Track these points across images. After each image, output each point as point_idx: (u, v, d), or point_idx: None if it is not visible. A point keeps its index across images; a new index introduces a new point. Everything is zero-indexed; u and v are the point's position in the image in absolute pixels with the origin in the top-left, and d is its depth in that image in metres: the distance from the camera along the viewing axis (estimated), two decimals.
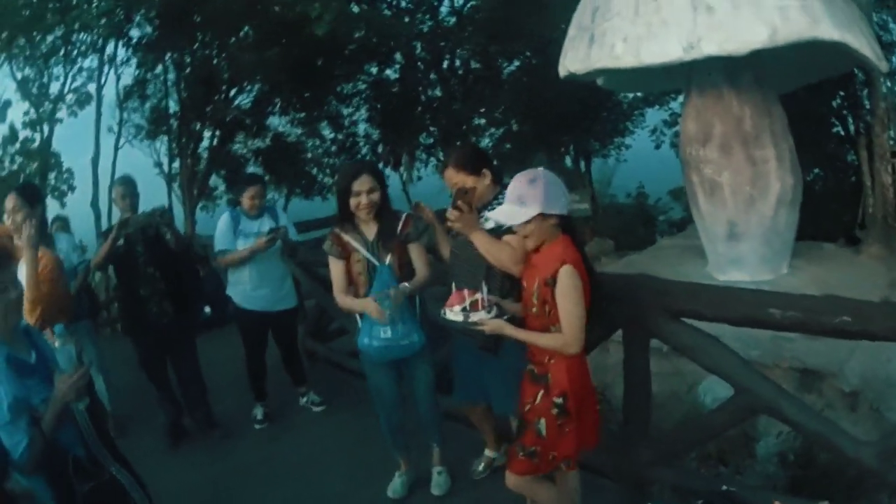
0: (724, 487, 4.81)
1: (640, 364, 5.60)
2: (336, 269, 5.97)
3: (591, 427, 4.91)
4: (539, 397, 4.70)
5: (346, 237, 5.85)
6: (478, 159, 5.83)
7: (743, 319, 4.82)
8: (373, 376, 6.24)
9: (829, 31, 8.40)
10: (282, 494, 6.93)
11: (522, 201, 4.49)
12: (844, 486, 6.30)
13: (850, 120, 19.74)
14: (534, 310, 4.66)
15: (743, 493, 5.08)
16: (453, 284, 5.19)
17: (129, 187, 8.16)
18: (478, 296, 4.72)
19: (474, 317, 4.64)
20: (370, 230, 5.84)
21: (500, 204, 5.21)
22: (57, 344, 4.30)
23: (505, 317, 4.78)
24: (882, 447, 4.46)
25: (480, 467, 6.78)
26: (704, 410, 7.82)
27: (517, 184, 4.58)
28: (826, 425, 4.68)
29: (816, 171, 20.97)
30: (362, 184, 5.64)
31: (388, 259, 5.73)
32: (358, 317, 6.09)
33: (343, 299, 5.97)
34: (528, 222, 4.50)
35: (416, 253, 5.88)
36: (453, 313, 4.71)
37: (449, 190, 5.65)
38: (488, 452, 6.84)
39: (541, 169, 4.71)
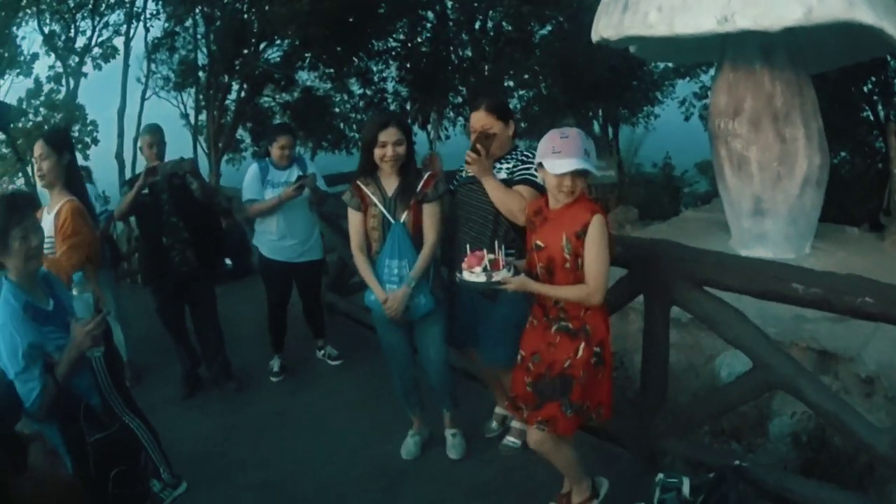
0: (737, 462, 4.81)
1: (660, 331, 5.53)
2: (354, 221, 5.77)
3: (611, 375, 4.92)
4: (580, 350, 4.66)
5: (366, 189, 5.64)
6: (508, 109, 5.86)
7: (766, 293, 4.77)
8: (384, 333, 6.02)
9: (865, 14, 8.37)
10: (295, 447, 6.85)
11: (587, 155, 4.48)
12: (856, 472, 6.30)
13: (881, 106, 19.68)
14: (567, 265, 4.61)
15: (754, 470, 5.08)
16: (467, 246, 5.04)
17: (156, 136, 8.09)
18: (495, 255, 4.71)
19: (497, 276, 4.61)
20: (390, 185, 5.62)
21: (513, 158, 5.59)
22: (75, 292, 4.29)
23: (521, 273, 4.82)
24: None
25: (494, 425, 6.70)
26: (720, 384, 7.82)
27: (579, 139, 4.53)
28: (843, 408, 4.62)
29: (844, 154, 20.93)
30: (389, 135, 5.41)
31: (403, 217, 5.53)
32: None
33: (359, 258, 5.77)
34: (579, 173, 4.50)
35: (428, 213, 5.66)
36: (475, 275, 4.65)
37: (469, 134, 5.66)
38: (499, 409, 6.77)
39: (573, 127, 4.73)
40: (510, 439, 6.35)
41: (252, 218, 8.11)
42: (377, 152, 5.46)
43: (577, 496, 5.18)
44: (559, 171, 4.47)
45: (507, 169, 5.59)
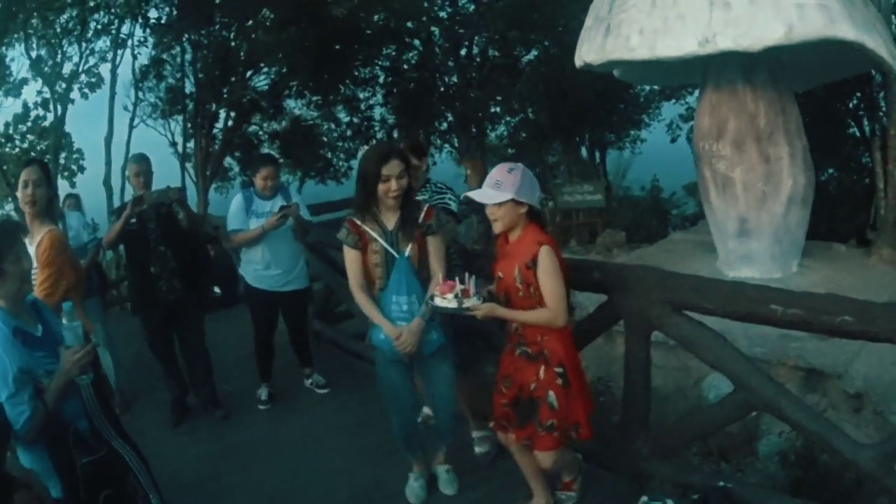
0: (721, 484, 4.83)
1: (641, 356, 5.57)
2: (351, 259, 5.55)
3: (588, 394, 5.22)
4: (542, 372, 4.96)
5: (364, 226, 5.45)
6: (422, 147, 6.22)
7: (745, 315, 4.81)
8: (387, 375, 5.79)
9: (846, 31, 8.42)
10: (281, 471, 6.95)
11: (499, 186, 4.82)
12: (844, 489, 6.31)
13: (866, 121, 19.74)
14: (520, 294, 4.93)
15: (741, 490, 5.09)
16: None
17: (143, 165, 8.16)
18: (467, 285, 4.95)
19: (467, 303, 4.88)
20: (389, 219, 5.47)
21: (428, 190, 6.14)
22: (65, 321, 4.34)
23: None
24: (880, 451, 4.43)
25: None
26: (706, 406, 7.83)
27: (497, 171, 4.93)
28: (825, 426, 4.66)
29: (831, 171, 21.01)
30: (392, 168, 5.26)
31: (407, 250, 5.42)
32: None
33: (360, 297, 5.56)
34: (501, 204, 4.83)
35: (434, 247, 5.58)
36: (447, 300, 4.91)
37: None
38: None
39: (520, 164, 5.05)
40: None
41: (237, 247, 8.14)
42: (381, 187, 5.33)
43: (567, 475, 5.73)
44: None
45: (425, 200, 5.83)
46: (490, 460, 6.56)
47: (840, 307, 4.31)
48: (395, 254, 5.43)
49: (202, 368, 8.29)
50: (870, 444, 4.92)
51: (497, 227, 5.00)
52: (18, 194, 6.92)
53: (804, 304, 4.46)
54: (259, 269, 8.16)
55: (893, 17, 14.36)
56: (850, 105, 19.82)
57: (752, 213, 10.63)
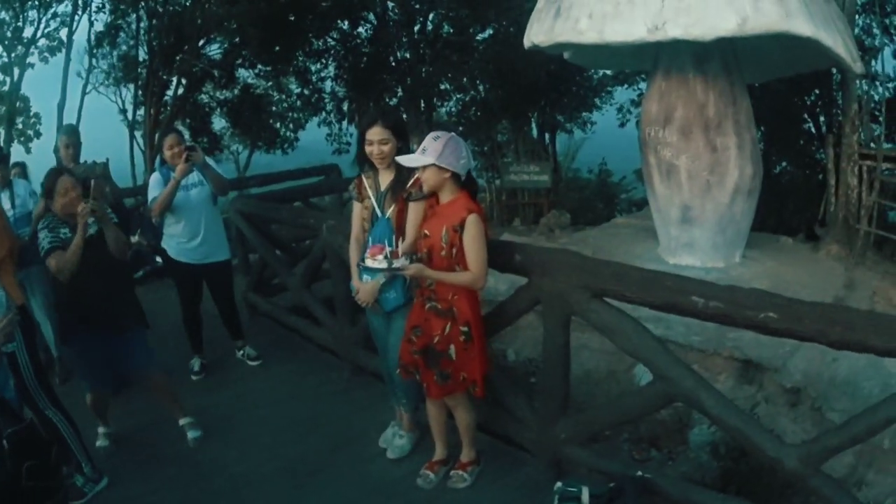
0: (639, 474, 4.80)
1: (559, 340, 5.60)
2: (354, 211, 6.17)
3: (486, 355, 5.63)
4: (448, 328, 5.42)
5: (366, 182, 6.00)
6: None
7: (665, 305, 4.80)
8: (369, 317, 6.45)
9: (801, 26, 8.38)
10: (209, 444, 6.94)
11: (424, 151, 5.23)
12: (777, 483, 6.30)
13: (823, 118, 19.83)
14: (442, 253, 5.33)
15: (661, 481, 5.08)
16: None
17: (73, 137, 8.30)
18: (394, 248, 5.36)
19: (397, 263, 5.24)
20: (385, 179, 5.91)
21: None
22: None
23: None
24: (806, 450, 4.38)
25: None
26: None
27: (427, 138, 5.31)
28: (747, 422, 4.63)
29: (784, 164, 21.07)
30: (374, 133, 5.70)
31: (389, 212, 5.82)
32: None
33: (351, 247, 6.18)
34: (425, 168, 5.25)
35: (412, 211, 5.81)
36: (377, 261, 5.27)
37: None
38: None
39: (452, 133, 5.41)
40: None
41: (160, 216, 8.06)
42: (367, 149, 5.80)
43: (466, 457, 6.07)
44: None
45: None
46: None
47: (764, 303, 4.28)
48: (379, 213, 5.88)
49: None
50: (795, 443, 4.91)
51: (424, 188, 5.40)
52: None
53: (726, 298, 4.43)
54: (182, 241, 8.14)
55: (857, 16, 14.43)
56: (808, 101, 19.91)
57: (695, 202, 10.62)
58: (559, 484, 4.95)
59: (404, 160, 5.38)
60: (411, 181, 5.66)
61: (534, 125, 25.07)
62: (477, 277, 5.29)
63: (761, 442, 4.51)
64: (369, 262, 5.32)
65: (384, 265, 5.25)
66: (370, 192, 5.91)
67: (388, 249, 5.25)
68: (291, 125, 26.40)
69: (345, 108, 25.41)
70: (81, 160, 8.57)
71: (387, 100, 24.37)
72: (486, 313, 5.92)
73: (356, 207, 6.09)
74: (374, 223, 5.88)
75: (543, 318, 5.67)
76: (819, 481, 4.37)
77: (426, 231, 5.47)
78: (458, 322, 5.39)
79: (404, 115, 23.59)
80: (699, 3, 8.52)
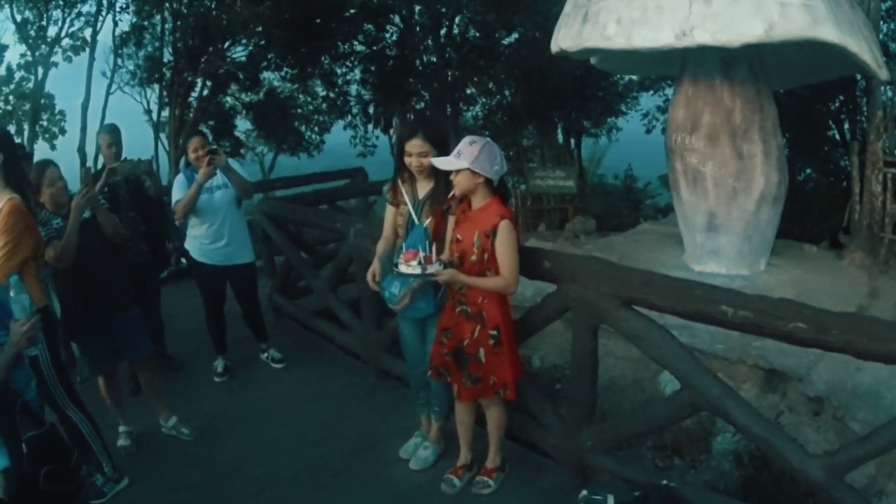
0: (665, 482, 4.79)
1: (588, 348, 5.59)
2: (387, 214, 6.19)
3: (517, 360, 5.68)
4: (477, 331, 5.46)
5: (402, 187, 5.99)
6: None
7: (694, 314, 4.80)
8: (399, 323, 6.41)
9: (829, 32, 8.35)
10: (232, 445, 6.94)
11: (459, 155, 5.26)
12: (798, 492, 6.27)
13: (847, 125, 19.73)
14: (473, 258, 5.38)
15: (685, 489, 5.05)
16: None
17: (115, 135, 8.29)
18: (427, 253, 5.38)
19: (430, 269, 5.27)
20: (423, 188, 5.92)
21: None
22: (11, 293, 4.30)
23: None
24: (831, 461, 4.36)
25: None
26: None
27: (462, 142, 5.34)
28: (773, 431, 4.61)
29: (808, 171, 20.99)
30: (413, 146, 5.71)
31: (427, 221, 5.78)
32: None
33: (379, 245, 6.15)
34: (458, 172, 5.28)
35: (450, 226, 5.82)
36: (411, 267, 5.29)
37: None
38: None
39: (487, 138, 5.45)
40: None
41: (184, 218, 8.09)
42: (406, 160, 5.79)
43: (492, 463, 6.00)
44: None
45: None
46: None
47: (793, 313, 4.25)
48: (416, 220, 5.85)
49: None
50: (819, 453, 4.89)
51: (456, 191, 5.43)
52: None
53: (756, 307, 4.40)
54: (205, 243, 8.15)
55: (882, 22, 14.36)
56: (832, 107, 19.82)
57: (721, 209, 10.59)
58: (584, 492, 4.95)
59: (438, 162, 5.39)
60: (452, 193, 5.63)
61: (559, 130, 25.04)
62: (509, 283, 5.33)
63: (786, 452, 4.49)
64: (403, 268, 5.34)
65: (418, 270, 5.28)
66: (407, 199, 5.91)
67: (421, 255, 5.29)
68: (316, 128, 26.48)
69: (370, 111, 25.42)
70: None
71: (413, 104, 24.37)
72: (515, 319, 5.84)
73: (389, 211, 6.11)
74: (409, 230, 5.86)
75: (572, 325, 5.67)
76: (842, 492, 4.35)
77: (458, 236, 5.50)
78: (488, 326, 5.40)
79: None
80: (726, 10, 8.50)
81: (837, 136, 20.31)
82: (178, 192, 7.97)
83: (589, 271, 5.42)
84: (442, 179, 5.69)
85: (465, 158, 5.21)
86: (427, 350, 6.01)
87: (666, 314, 5.11)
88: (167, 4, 21.89)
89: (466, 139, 5.34)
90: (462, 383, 5.60)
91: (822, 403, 7.55)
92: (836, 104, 19.59)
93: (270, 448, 6.83)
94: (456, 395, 5.85)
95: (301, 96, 26.27)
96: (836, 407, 7.33)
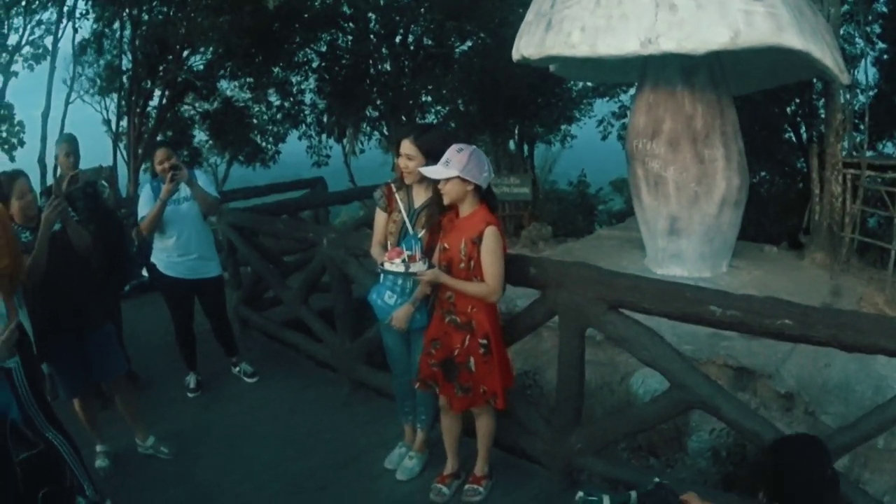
0: (657, 480, 4.86)
1: (576, 352, 5.64)
2: (378, 219, 6.04)
3: (507, 368, 5.68)
4: (466, 341, 5.41)
5: (396, 195, 5.89)
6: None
7: (683, 315, 4.87)
8: (384, 334, 6.30)
9: (793, 39, 8.49)
10: (212, 462, 6.83)
11: (447, 164, 5.21)
12: None
13: (804, 128, 19.93)
14: (461, 265, 5.32)
15: (672, 485, 5.12)
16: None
17: (72, 144, 8.17)
18: (413, 251, 5.43)
19: (414, 268, 5.27)
20: (419, 197, 5.83)
21: None
22: None
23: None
24: None
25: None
26: (638, 402, 7.87)
27: (450, 150, 5.28)
28: (763, 425, 4.69)
29: (764, 174, 21.17)
30: (403, 147, 5.68)
31: (421, 232, 5.73)
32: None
33: (374, 252, 5.99)
34: (448, 180, 5.23)
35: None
36: (394, 265, 5.29)
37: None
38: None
39: (473, 146, 5.41)
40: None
41: (149, 234, 8.02)
42: (397, 159, 5.76)
43: (480, 470, 5.99)
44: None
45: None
46: None
47: (780, 311, 4.35)
48: (410, 230, 5.76)
49: None
50: None
51: (445, 200, 5.35)
52: None
53: (743, 307, 4.48)
54: (171, 255, 8.04)
55: (842, 28, 14.55)
56: (788, 110, 20.03)
57: (683, 213, 10.73)
58: (580, 493, 4.95)
59: (428, 171, 5.34)
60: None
61: (511, 139, 25.16)
62: (492, 290, 5.28)
63: None
64: (387, 265, 5.33)
65: (401, 269, 5.29)
66: (402, 206, 5.84)
67: (405, 254, 5.31)
68: (271, 138, 26.44)
69: (325, 119, 25.39)
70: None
71: (367, 112, 24.39)
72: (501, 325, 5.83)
73: (380, 217, 6.00)
74: (401, 237, 5.80)
75: (559, 330, 5.68)
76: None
77: (445, 244, 5.45)
78: (477, 335, 5.37)
79: (385, 128, 23.65)
80: (692, 18, 8.62)
81: (793, 139, 20.54)
82: (144, 208, 7.84)
83: (575, 276, 5.46)
84: (438, 192, 5.59)
85: (454, 166, 5.19)
86: (413, 359, 5.98)
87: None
88: (126, 11, 21.70)
89: (454, 147, 5.32)
90: (453, 394, 5.58)
91: (792, 399, 7.67)
92: (793, 107, 19.82)
93: (252, 464, 6.73)
94: (448, 407, 5.78)
95: (256, 106, 26.16)
96: (807, 402, 7.46)
